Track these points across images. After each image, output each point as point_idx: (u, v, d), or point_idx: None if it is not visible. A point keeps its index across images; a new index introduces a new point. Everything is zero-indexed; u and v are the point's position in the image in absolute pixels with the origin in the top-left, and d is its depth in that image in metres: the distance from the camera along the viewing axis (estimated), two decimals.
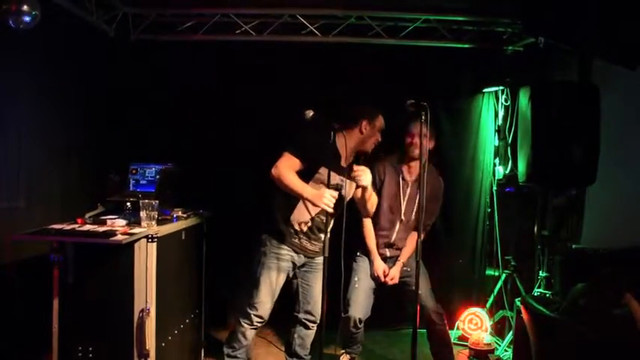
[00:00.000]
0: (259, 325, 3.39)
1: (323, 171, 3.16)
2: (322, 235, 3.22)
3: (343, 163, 3.28)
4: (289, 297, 3.54)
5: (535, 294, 4.26)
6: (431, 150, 3.49)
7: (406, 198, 3.80)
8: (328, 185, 3.07)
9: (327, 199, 2.97)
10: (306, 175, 3.19)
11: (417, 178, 3.76)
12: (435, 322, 3.78)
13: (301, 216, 3.28)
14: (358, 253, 3.89)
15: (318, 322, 3.42)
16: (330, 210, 3.00)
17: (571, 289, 3.32)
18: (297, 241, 3.33)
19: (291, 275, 3.41)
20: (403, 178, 3.80)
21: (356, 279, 3.81)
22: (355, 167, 3.13)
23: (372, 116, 3.30)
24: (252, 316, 3.34)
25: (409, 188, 3.80)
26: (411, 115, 3.20)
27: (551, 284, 4.26)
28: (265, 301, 3.33)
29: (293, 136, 3.22)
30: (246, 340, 3.41)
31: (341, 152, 3.27)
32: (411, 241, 3.83)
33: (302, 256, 3.39)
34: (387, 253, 3.87)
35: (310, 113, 2.97)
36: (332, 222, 3.29)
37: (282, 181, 3.13)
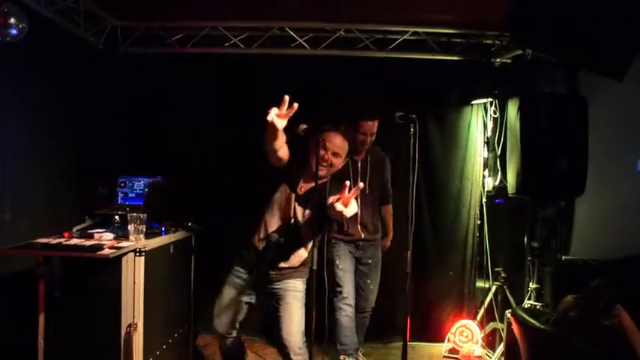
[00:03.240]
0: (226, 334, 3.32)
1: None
2: (280, 262, 3.15)
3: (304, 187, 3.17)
4: None
5: (525, 305, 4.26)
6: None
7: (359, 175, 3.91)
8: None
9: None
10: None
11: (365, 157, 3.97)
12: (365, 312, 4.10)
13: (260, 234, 3.15)
14: (333, 241, 3.97)
15: (295, 351, 3.11)
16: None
17: (561, 300, 3.32)
18: (254, 262, 3.18)
19: (250, 299, 3.24)
20: (353, 160, 3.90)
21: (337, 262, 3.92)
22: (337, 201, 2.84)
23: (322, 138, 3.07)
24: (213, 326, 3.30)
25: (360, 166, 3.94)
26: (400, 126, 3.21)
27: (541, 296, 4.27)
28: (217, 315, 3.25)
29: None
30: (226, 345, 3.39)
31: (301, 176, 3.17)
32: (385, 212, 4.19)
33: (259, 278, 3.21)
34: (362, 234, 3.99)
35: (303, 126, 2.97)
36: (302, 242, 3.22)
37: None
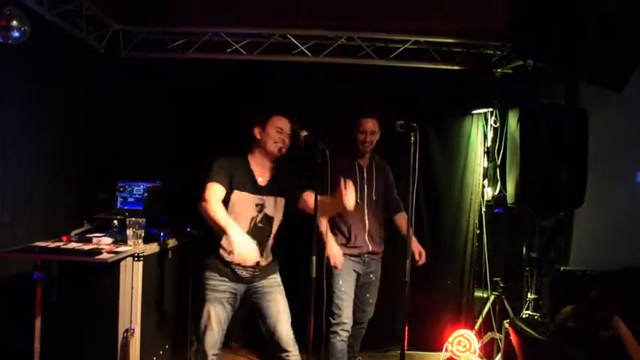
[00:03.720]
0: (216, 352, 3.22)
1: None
2: (258, 260, 3.12)
3: (262, 182, 3.22)
4: None
5: (523, 316, 4.25)
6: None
7: (365, 183, 3.77)
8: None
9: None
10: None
11: (369, 164, 3.84)
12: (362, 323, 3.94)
13: (227, 246, 3.02)
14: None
15: (289, 349, 3.14)
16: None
17: (559, 311, 3.32)
18: (229, 271, 3.14)
19: (234, 307, 3.21)
20: (359, 165, 3.78)
21: (340, 283, 3.66)
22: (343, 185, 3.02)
23: (263, 121, 3.22)
24: (204, 346, 3.17)
25: (365, 174, 3.79)
26: (400, 135, 3.24)
27: (539, 306, 4.26)
28: (209, 339, 3.13)
29: None
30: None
31: (255, 171, 3.22)
32: (401, 220, 3.88)
33: (240, 284, 3.19)
34: (370, 246, 3.76)
35: (303, 133, 3.03)
36: (270, 243, 3.25)
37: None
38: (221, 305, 3.14)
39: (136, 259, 3.08)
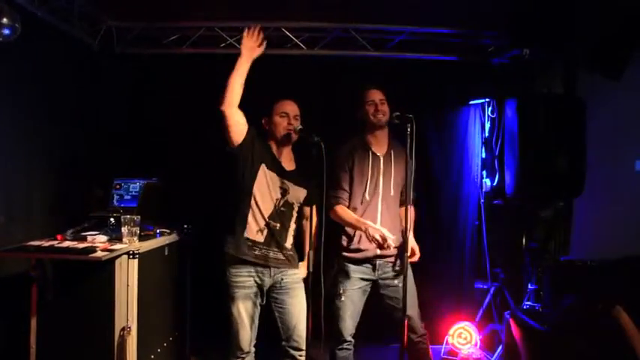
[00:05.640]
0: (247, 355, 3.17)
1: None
2: (284, 243, 3.14)
3: (286, 167, 3.20)
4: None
5: (524, 307, 4.22)
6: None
7: (381, 174, 3.35)
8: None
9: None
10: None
11: (387, 151, 3.39)
12: (418, 342, 3.46)
13: (255, 225, 3.08)
14: (338, 264, 3.38)
15: (304, 348, 3.09)
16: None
17: (560, 301, 3.28)
18: (258, 252, 3.08)
19: (261, 301, 3.15)
20: (374, 154, 3.36)
21: (341, 291, 3.32)
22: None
23: (268, 110, 3.23)
24: (236, 353, 3.12)
25: (382, 164, 3.36)
26: (398, 126, 3.14)
27: (540, 297, 4.22)
28: (243, 335, 3.09)
29: None
30: None
31: (278, 157, 3.20)
32: (414, 215, 3.47)
33: (267, 272, 3.11)
34: (378, 248, 3.28)
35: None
36: (292, 228, 3.21)
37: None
38: (250, 301, 3.09)
39: (131, 256, 3.05)
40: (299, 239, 3.28)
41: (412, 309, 3.32)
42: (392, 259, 3.37)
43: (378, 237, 3.12)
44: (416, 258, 3.34)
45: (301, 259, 3.25)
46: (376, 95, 3.35)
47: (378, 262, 3.34)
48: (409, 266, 3.20)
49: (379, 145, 3.39)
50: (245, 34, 3.05)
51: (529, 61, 4.30)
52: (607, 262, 3.62)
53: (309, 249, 2.94)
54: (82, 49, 4.30)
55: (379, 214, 3.32)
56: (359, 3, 4.14)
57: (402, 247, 3.22)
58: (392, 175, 3.36)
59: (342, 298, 3.31)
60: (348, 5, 4.18)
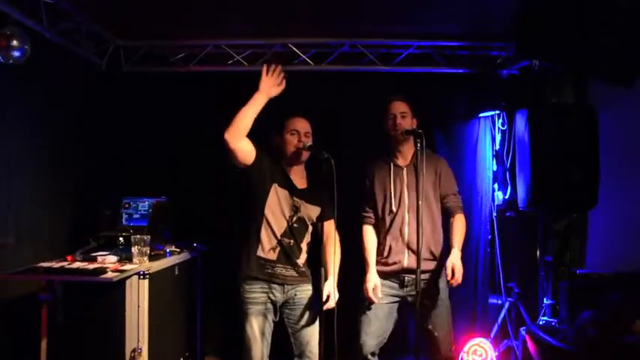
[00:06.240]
0: None
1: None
2: (297, 260, 3.15)
3: (298, 186, 3.20)
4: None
5: (540, 322, 4.17)
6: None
7: (405, 185, 3.30)
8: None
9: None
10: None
11: (411, 162, 3.33)
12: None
13: (267, 244, 3.10)
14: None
15: None
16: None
17: (578, 316, 3.22)
18: (270, 270, 3.09)
19: (274, 317, 3.14)
20: (396, 165, 3.34)
21: (366, 304, 3.26)
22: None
23: (279, 128, 3.23)
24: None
25: (405, 174, 3.32)
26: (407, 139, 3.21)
27: (556, 312, 4.16)
28: (255, 352, 3.07)
29: None
30: None
31: (290, 175, 3.20)
32: (458, 225, 3.35)
33: (280, 289, 3.11)
34: (405, 261, 3.23)
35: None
36: (305, 244, 3.22)
37: None
38: (263, 317, 3.09)
39: (141, 277, 3.05)
40: (317, 256, 3.22)
41: (441, 330, 3.28)
42: (427, 275, 3.26)
43: (370, 288, 3.21)
44: (455, 280, 3.14)
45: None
46: (397, 108, 3.30)
47: (407, 277, 3.26)
48: (446, 286, 3.31)
49: (402, 157, 3.37)
50: (264, 72, 3.03)
51: (538, 71, 4.28)
52: (625, 274, 3.57)
53: (331, 270, 3.04)
54: (89, 68, 4.32)
55: (406, 226, 3.27)
56: (366, 18, 4.15)
57: (440, 263, 3.28)
58: (419, 184, 3.08)
59: (366, 312, 3.26)
60: (355, 21, 4.19)
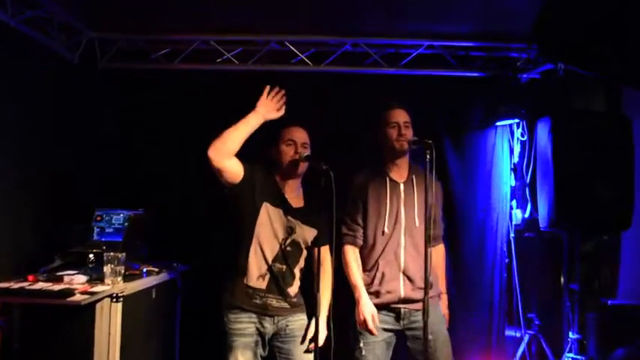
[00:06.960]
0: None
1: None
2: (289, 289, 3.08)
3: (293, 204, 3.15)
4: None
5: (565, 359, 4.09)
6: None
7: (402, 203, 3.24)
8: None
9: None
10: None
11: (408, 178, 3.29)
12: None
13: (256, 270, 3.04)
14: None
15: None
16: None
17: (610, 354, 3.15)
18: (259, 301, 3.03)
19: (262, 351, 3.08)
20: (392, 181, 3.26)
21: (362, 344, 3.15)
22: None
23: (274, 138, 3.18)
24: None
25: (402, 192, 3.25)
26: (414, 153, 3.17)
27: (584, 347, 4.10)
28: None
29: None
30: None
31: (285, 192, 3.16)
32: (440, 258, 3.42)
33: (270, 320, 3.06)
34: (401, 290, 3.15)
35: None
36: (299, 269, 3.16)
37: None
38: (250, 351, 3.02)
39: (114, 300, 3.00)
40: (309, 283, 3.15)
41: None
42: (421, 306, 3.00)
43: (368, 317, 3.10)
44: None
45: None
46: (400, 117, 3.23)
47: (403, 309, 3.18)
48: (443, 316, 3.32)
49: (399, 172, 3.29)
50: (264, 94, 3.01)
51: (563, 76, 4.26)
52: None
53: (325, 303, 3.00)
54: (59, 63, 4.21)
55: (402, 250, 3.19)
56: (370, 14, 4.10)
57: (436, 291, 3.27)
58: (415, 204, 3.23)
59: (363, 352, 3.15)
60: (358, 17, 4.15)
